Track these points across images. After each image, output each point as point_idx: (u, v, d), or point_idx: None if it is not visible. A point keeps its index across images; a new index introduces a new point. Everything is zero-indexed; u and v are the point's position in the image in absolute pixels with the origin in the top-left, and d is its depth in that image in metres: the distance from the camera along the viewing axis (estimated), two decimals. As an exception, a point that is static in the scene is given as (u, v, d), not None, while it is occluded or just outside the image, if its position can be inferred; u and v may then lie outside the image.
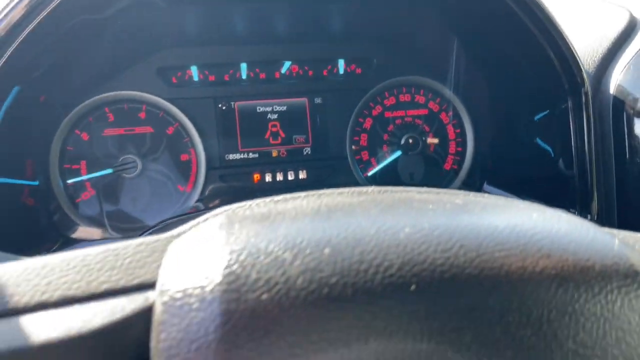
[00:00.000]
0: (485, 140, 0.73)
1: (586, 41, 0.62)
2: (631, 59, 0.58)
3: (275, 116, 0.71)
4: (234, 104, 0.70)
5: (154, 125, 0.67)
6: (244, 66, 0.70)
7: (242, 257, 0.22)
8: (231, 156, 0.69)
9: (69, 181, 0.65)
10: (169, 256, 0.24)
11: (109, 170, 0.65)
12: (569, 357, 0.22)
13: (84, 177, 0.65)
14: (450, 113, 0.74)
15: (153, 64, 0.67)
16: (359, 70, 0.73)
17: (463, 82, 0.71)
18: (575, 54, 0.54)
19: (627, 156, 0.59)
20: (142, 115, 0.67)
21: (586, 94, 0.56)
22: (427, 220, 0.24)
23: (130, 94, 0.66)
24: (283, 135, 0.71)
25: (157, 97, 0.67)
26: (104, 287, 0.23)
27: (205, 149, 0.68)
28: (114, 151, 0.66)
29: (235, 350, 0.21)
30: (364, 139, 0.73)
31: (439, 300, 0.22)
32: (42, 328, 0.22)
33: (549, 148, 0.65)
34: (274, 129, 0.71)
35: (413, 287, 0.21)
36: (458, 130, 0.75)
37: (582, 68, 0.55)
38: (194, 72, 0.69)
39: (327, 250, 0.22)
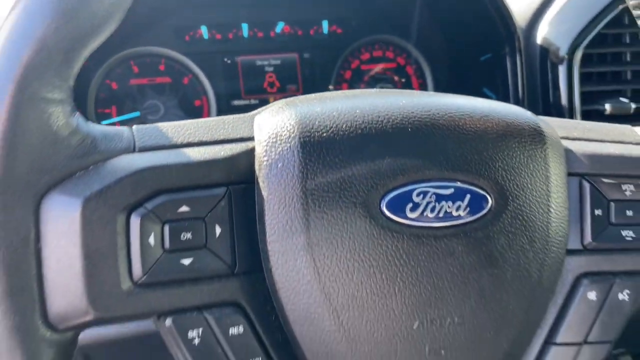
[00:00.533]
0: (443, 88, 0.90)
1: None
2: (555, 14, 0.75)
3: (272, 69, 0.85)
4: (238, 59, 0.84)
5: (172, 76, 0.81)
6: (245, 26, 0.84)
7: (310, 113, 0.38)
8: (236, 102, 0.84)
9: (103, 122, 0.78)
10: (257, 120, 0.39)
11: (137, 113, 0.78)
12: (497, 174, 0.39)
13: (115, 119, 0.78)
14: (414, 66, 0.91)
15: (170, 25, 0.80)
16: (339, 30, 0.88)
17: (423, 37, 0.87)
18: (507, 6, 0.71)
19: (552, 100, 0.77)
20: (162, 67, 0.80)
21: (518, 40, 0.73)
22: (410, 98, 0.40)
23: (152, 49, 0.80)
24: (278, 85, 0.86)
25: (174, 52, 0.80)
26: (220, 137, 0.38)
27: (215, 95, 0.82)
28: (139, 97, 0.79)
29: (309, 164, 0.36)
30: (344, 87, 0.88)
31: (422, 139, 0.38)
32: (186, 156, 0.36)
33: (493, 95, 0.82)
34: (270, 80, 0.85)
35: (409, 129, 0.38)
36: (421, 81, 0.92)
37: (513, 17, 0.72)
38: (204, 31, 0.82)
39: (358, 111, 0.38)
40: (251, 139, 0.38)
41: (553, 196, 0.41)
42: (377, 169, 0.37)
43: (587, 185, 0.43)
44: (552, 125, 0.44)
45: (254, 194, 0.38)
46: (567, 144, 0.44)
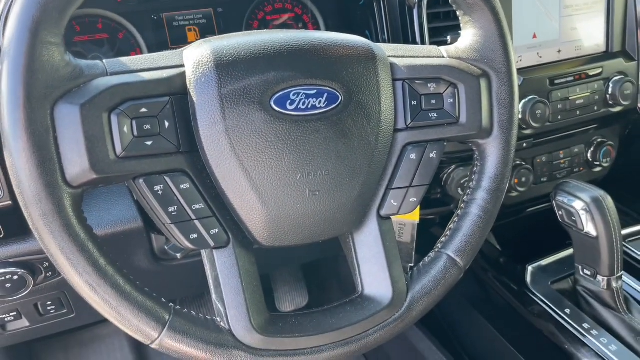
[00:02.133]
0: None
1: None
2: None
3: (192, 22, 1.04)
4: (163, 15, 1.02)
5: (108, 32, 0.98)
6: (166, -12, 1.02)
7: (220, 45, 0.59)
8: (165, 51, 1.02)
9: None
10: (185, 53, 0.60)
11: (83, 65, 0.95)
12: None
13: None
14: (309, 15, 1.12)
15: (102, -11, 0.97)
16: (245, -13, 1.07)
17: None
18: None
19: (410, 37, 1.01)
20: (100, 26, 0.97)
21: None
22: (287, 34, 0.62)
23: (89, 10, 0.96)
24: (198, 36, 1.05)
25: (109, 12, 0.97)
26: (162, 65, 0.59)
27: (147, 47, 1.00)
28: (84, 52, 0.96)
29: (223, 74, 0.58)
30: (253, 35, 1.09)
31: (294, 58, 0.60)
32: (141, 77, 0.57)
33: (370, 36, 1.05)
34: (190, 32, 1.04)
35: (285, 52, 0.60)
36: (315, 27, 1.13)
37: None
38: (132, -7, 1.00)
39: (251, 42, 0.60)
40: (182, 66, 0.59)
41: (382, 93, 0.65)
42: (266, 79, 0.59)
43: (406, 86, 0.67)
44: (383, 48, 0.67)
45: (187, 102, 0.59)
46: (393, 60, 0.67)
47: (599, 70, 1.11)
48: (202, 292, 1.45)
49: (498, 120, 0.71)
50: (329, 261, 1.59)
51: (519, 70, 1.05)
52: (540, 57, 1.09)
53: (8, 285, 0.79)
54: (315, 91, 0.61)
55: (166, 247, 0.89)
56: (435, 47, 0.71)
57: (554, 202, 1.01)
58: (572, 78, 1.08)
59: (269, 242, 0.63)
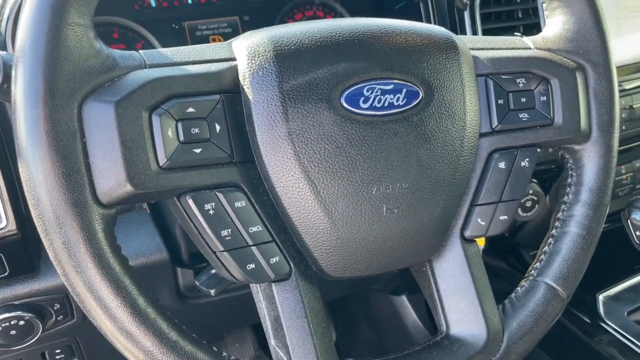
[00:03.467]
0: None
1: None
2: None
3: (216, 31, 0.94)
4: (184, 24, 0.92)
5: (125, 42, 0.88)
6: (188, -6, 0.92)
7: (278, 33, 0.48)
8: (187, 63, 0.92)
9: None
10: (235, 44, 0.49)
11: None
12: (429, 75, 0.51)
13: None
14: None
15: (118, -5, 0.87)
16: (273, -6, 0.98)
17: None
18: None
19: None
20: (115, 35, 0.87)
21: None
22: (356, 20, 0.52)
23: (104, 18, 0.86)
24: (223, 46, 0.95)
25: (125, 20, 0.87)
26: (208, 58, 0.48)
27: (167, 58, 0.90)
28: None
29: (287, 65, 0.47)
30: (283, 45, 0.99)
31: (367, 47, 0.49)
32: (186, 70, 0.46)
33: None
34: (215, 42, 0.94)
35: (356, 40, 0.49)
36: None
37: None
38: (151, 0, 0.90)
39: (316, 29, 0.49)
40: (232, 59, 0.48)
41: (466, 90, 0.54)
42: (335, 72, 0.48)
43: (490, 82, 0.56)
44: (464, 39, 0.57)
45: (241, 101, 0.48)
46: (474, 52, 0.57)
47: (665, 76, 1.01)
48: (223, 334, 1.32)
49: (597, 121, 0.60)
50: (357, 295, 1.46)
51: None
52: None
53: (13, 332, 0.66)
54: (392, 86, 0.50)
55: (197, 283, 0.77)
56: (518, 37, 0.61)
57: (628, 222, 0.89)
58: (637, 84, 0.98)
59: (338, 272, 0.52)
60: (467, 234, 0.57)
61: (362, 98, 0.49)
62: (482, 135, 0.56)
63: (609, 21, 0.95)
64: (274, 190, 0.48)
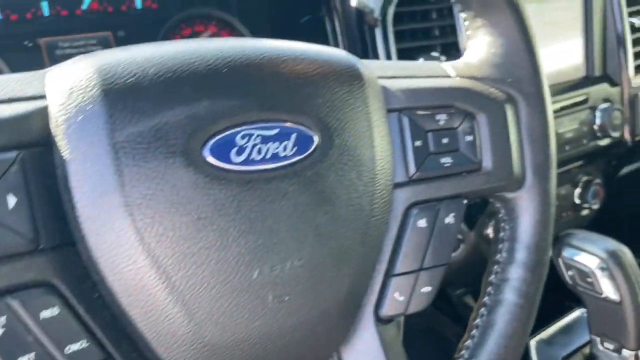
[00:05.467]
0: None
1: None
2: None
3: (83, 50, 0.78)
4: (40, 41, 0.75)
5: (-38, 64, 0.70)
6: (44, 4, 0.75)
7: (111, 60, 0.34)
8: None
9: None
10: (49, 76, 0.34)
11: None
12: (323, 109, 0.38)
13: None
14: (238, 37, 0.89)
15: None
16: (155, 5, 0.83)
17: (244, 7, 0.86)
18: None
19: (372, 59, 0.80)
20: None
21: (334, 1, 0.74)
22: (224, 42, 0.38)
23: None
24: (93, 67, 0.78)
25: (-42, 36, 0.69)
26: (6, 96, 0.32)
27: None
28: None
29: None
30: (168, 66, 0.84)
31: (240, 79, 0.36)
32: None
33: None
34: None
35: (225, 70, 0.35)
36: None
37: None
38: (-6, 11, 0.72)
39: (167, 55, 0.35)
40: (41, 96, 0.33)
41: (375, 130, 0.42)
42: (194, 113, 0.35)
43: (405, 119, 0.45)
44: (369, 65, 0.45)
45: (53, 159, 0.33)
46: (383, 82, 0.45)
47: (584, 97, 0.95)
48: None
49: (532, 164, 0.50)
50: None
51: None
52: (521, 84, 0.91)
53: None
54: (277, 130, 0.37)
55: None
56: (437, 62, 0.50)
57: (559, 260, 0.81)
58: (558, 107, 0.91)
59: None
60: (383, 313, 0.45)
61: (235, 149, 0.36)
62: (396, 186, 0.44)
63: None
64: (106, 285, 0.34)
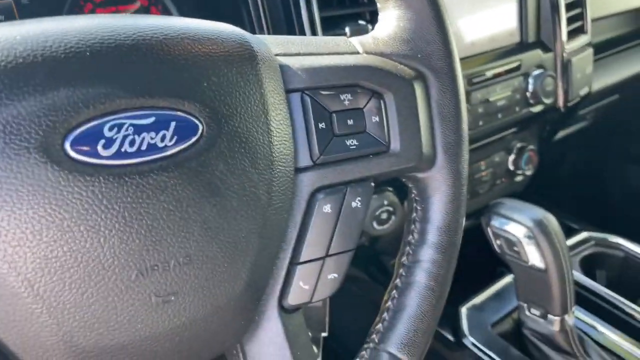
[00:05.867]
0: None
1: None
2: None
3: (-19, 19, 0.71)
4: None
5: None
6: None
7: None
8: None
9: None
10: None
11: None
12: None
13: None
14: (159, 6, 0.84)
15: None
16: (62, -30, 0.76)
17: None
18: None
19: (297, 30, 0.76)
20: None
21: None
22: (90, 19, 0.34)
23: None
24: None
25: None
26: None
27: None
28: None
29: None
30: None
31: (107, 63, 0.32)
32: None
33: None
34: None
35: (88, 53, 0.32)
36: (170, 23, 0.85)
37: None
38: None
39: (18, 37, 0.31)
40: None
41: (271, 114, 0.39)
42: (52, 103, 0.31)
43: (308, 100, 0.42)
44: (268, 42, 0.42)
45: None
46: (283, 59, 0.42)
47: (517, 64, 0.94)
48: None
49: (443, 143, 0.48)
50: None
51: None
52: (454, 51, 0.90)
53: None
54: (152, 120, 0.34)
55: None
56: (344, 38, 0.47)
57: (488, 229, 0.82)
58: (491, 75, 0.90)
59: None
60: (287, 302, 0.43)
61: (103, 141, 0.32)
62: (300, 170, 0.42)
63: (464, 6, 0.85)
64: None
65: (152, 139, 0.34)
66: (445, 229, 0.48)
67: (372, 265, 1.01)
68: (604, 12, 1.24)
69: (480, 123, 0.90)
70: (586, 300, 0.88)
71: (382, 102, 0.45)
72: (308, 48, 0.44)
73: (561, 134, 1.19)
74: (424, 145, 0.47)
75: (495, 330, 0.86)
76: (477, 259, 0.93)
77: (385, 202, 0.83)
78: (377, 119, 0.45)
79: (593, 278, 0.96)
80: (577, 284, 0.90)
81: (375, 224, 0.83)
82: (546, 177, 1.13)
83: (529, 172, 1.05)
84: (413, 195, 0.50)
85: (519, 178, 1.05)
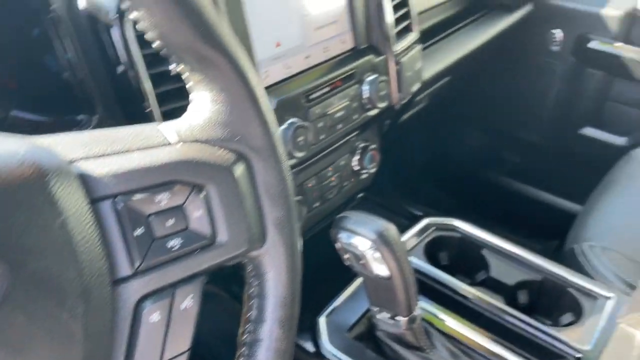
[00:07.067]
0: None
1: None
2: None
3: None
4: None
5: None
6: None
7: None
8: None
9: None
10: None
11: None
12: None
13: None
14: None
15: None
16: None
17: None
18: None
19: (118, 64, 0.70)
20: None
21: (55, 10, 0.63)
22: None
23: None
24: None
25: None
26: None
27: None
28: None
29: None
30: None
31: None
32: None
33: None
34: None
35: None
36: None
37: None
38: None
39: None
40: None
41: (75, 234, 0.36)
42: None
43: (121, 206, 0.39)
44: (64, 145, 0.38)
45: None
46: (84, 165, 0.38)
47: (352, 72, 0.96)
48: None
49: (272, 219, 0.48)
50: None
51: (268, 89, 0.84)
52: (289, 67, 0.89)
53: None
54: None
55: None
56: (156, 127, 0.44)
57: (338, 245, 0.85)
58: (328, 88, 0.91)
59: None
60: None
61: None
62: (120, 282, 0.40)
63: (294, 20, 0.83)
64: None
65: None
66: (283, 303, 0.49)
67: (234, 284, 1.01)
68: (427, 5, 1.31)
69: (322, 137, 0.91)
70: (430, 289, 0.96)
71: (203, 194, 0.43)
72: (114, 146, 0.41)
73: (401, 120, 1.25)
74: (253, 226, 0.46)
75: (352, 334, 0.91)
76: (332, 264, 0.97)
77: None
78: (199, 212, 0.43)
79: (436, 263, 1.05)
80: (419, 272, 0.98)
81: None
82: (389, 169, 1.20)
83: (373, 170, 1.10)
84: (248, 270, 0.50)
85: (364, 176, 1.10)
